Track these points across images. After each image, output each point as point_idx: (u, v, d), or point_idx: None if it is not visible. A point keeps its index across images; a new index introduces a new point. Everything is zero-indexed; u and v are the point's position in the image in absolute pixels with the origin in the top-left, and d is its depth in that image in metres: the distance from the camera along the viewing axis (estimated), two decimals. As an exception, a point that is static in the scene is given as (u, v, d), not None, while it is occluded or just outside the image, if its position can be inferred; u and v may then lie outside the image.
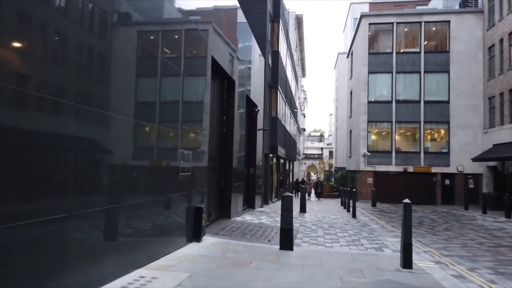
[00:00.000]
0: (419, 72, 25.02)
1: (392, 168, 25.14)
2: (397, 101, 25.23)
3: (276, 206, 18.12)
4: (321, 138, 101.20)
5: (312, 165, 71.48)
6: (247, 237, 8.44)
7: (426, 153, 24.87)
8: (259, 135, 16.17)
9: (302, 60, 55.37)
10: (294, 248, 7.37)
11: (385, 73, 25.54)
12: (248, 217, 11.75)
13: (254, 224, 10.36)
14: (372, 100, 25.75)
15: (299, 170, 63.47)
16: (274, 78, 19.76)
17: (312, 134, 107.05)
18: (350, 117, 32.06)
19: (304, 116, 73.53)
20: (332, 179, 49.01)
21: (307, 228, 10.60)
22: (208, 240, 7.55)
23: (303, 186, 15.77)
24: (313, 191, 29.31)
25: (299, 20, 42.26)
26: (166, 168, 6.25)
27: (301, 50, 51.04)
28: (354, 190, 16.18)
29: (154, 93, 5.86)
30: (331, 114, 76.74)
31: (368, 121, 25.65)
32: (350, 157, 31.79)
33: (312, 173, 71.03)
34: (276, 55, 19.94)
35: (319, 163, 63.45)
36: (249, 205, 14.94)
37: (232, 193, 10.86)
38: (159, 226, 5.95)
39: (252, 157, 15.13)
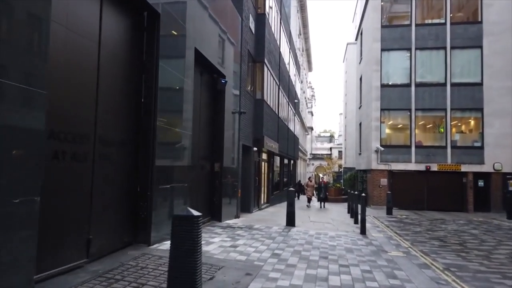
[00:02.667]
0: (445, 48, 20.40)
1: (412, 166, 20.50)
2: (417, 84, 20.62)
3: (262, 216, 13.75)
4: (331, 138, 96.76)
5: (320, 166, 67.20)
6: (136, 297, 4.06)
7: (453, 148, 20.17)
8: (233, 120, 11.83)
9: (307, 50, 50.70)
10: None
11: (401, 50, 20.99)
12: (189, 241, 7.30)
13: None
14: (386, 84, 21.13)
15: (306, 171, 58.79)
16: (259, 48, 15.32)
17: (322, 135, 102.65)
18: (360, 107, 27.36)
19: (312, 115, 68.80)
20: (341, 181, 44.54)
21: (280, 262, 6.17)
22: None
23: (291, 189, 11.29)
24: (315, 194, 23.91)
25: (302, 2, 37.79)
26: None
27: (306, 39, 46.45)
28: (364, 194, 11.65)
29: None
30: (341, 114, 72.29)
31: (381, 109, 21.05)
32: (359, 154, 27.08)
33: (321, 174, 66.53)
34: (262, 19, 15.51)
35: (327, 163, 58.67)
36: (214, 216, 10.56)
37: (156, 203, 6.50)
38: None
39: (218, 148, 10.75)
